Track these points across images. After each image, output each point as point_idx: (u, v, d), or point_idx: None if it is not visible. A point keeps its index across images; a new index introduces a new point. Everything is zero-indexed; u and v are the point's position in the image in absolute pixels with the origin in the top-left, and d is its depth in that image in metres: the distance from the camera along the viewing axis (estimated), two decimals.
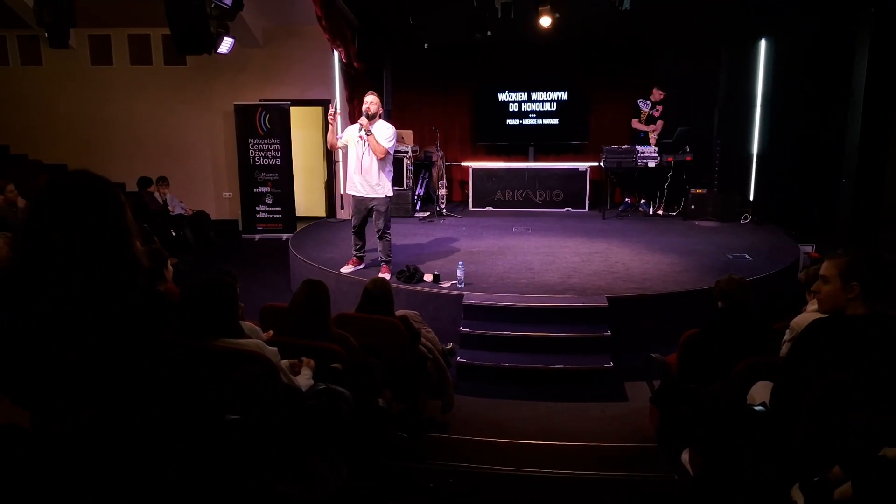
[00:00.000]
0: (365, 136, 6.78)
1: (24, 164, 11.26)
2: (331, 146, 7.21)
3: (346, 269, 7.30)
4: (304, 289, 3.87)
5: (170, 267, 4.21)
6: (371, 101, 6.84)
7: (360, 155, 6.88)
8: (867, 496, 2.17)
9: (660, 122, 10.58)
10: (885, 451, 2.19)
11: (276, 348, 3.04)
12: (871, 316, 2.66)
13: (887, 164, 8.27)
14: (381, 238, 7.10)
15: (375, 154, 6.79)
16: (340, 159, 11.07)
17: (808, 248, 8.21)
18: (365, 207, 7.05)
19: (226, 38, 6.76)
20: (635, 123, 10.79)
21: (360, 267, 7.33)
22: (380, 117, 6.94)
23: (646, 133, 10.62)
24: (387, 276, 6.87)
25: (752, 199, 10.31)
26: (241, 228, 11.48)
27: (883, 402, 2.37)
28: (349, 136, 6.98)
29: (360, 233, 7.27)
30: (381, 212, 7.00)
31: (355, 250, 7.36)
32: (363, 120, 6.79)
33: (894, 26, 7.78)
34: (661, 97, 10.54)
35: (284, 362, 3.13)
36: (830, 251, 2.97)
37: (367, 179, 6.92)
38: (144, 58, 11.47)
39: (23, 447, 1.48)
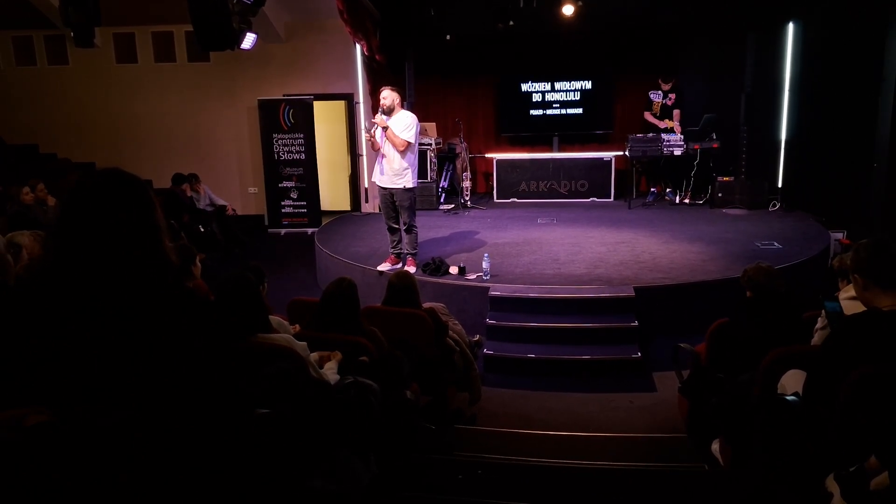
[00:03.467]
0: (382, 133, 6.71)
1: (53, 163, 11.43)
2: (377, 150, 6.90)
3: (384, 266, 7.17)
4: (333, 286, 3.90)
5: (198, 263, 4.26)
6: (384, 97, 6.74)
7: (382, 142, 6.79)
8: None
9: (676, 112, 10.43)
10: None
11: (305, 343, 3.06)
12: None
13: None
14: (407, 232, 7.00)
15: (396, 148, 6.69)
16: (365, 152, 11.10)
17: (839, 235, 8.08)
18: (389, 198, 6.94)
19: (248, 34, 6.77)
20: (647, 116, 10.69)
21: (399, 266, 7.06)
22: (401, 107, 6.84)
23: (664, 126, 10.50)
24: (412, 269, 6.82)
25: (780, 185, 10.16)
26: (266, 223, 11.57)
27: None
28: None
29: (394, 229, 7.11)
30: (405, 207, 6.86)
31: (392, 247, 7.21)
32: (378, 118, 6.74)
33: None
34: (669, 86, 10.42)
35: (313, 356, 3.15)
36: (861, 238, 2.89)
37: (387, 167, 6.80)
38: (168, 55, 11.58)
39: (60, 444, 1.50)
